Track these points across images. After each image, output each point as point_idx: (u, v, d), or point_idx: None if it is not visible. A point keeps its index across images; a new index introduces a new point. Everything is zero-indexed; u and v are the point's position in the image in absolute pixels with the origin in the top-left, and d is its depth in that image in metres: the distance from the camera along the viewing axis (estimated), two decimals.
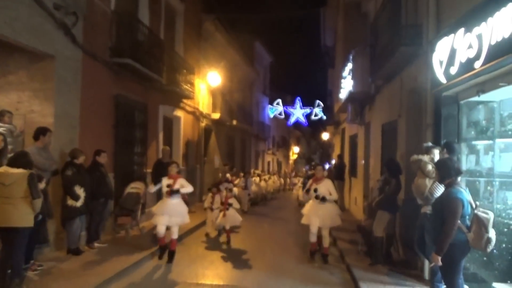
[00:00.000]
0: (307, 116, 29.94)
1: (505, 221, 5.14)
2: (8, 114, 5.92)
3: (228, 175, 14.49)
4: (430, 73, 5.52)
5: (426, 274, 5.55)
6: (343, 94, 12.27)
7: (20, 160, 4.91)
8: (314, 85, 70.11)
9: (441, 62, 5.04)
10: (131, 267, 6.23)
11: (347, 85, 11.49)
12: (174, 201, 6.72)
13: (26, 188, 4.77)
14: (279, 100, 29.85)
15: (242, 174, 15.03)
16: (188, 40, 13.22)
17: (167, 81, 10.62)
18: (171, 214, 6.65)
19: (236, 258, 7.27)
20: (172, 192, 6.68)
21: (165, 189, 6.74)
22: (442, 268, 3.93)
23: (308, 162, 56.00)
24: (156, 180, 7.76)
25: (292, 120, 30.29)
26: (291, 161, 43.44)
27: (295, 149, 43.02)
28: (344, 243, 8.03)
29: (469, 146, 5.76)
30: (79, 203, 6.38)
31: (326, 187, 7.06)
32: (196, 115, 14.37)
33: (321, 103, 28.85)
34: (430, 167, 4.78)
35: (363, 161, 9.16)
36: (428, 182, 4.82)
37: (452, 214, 3.73)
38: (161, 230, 6.61)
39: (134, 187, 8.62)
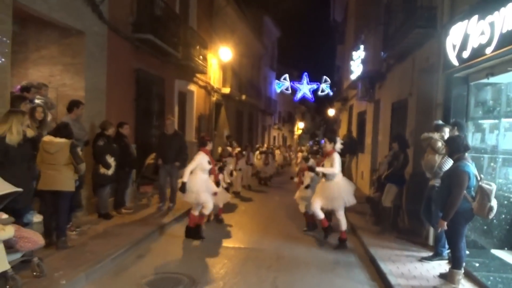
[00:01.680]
0: (314, 92, 30.11)
1: (506, 194, 5.63)
2: (45, 87, 6.32)
3: (229, 148, 14.93)
4: (442, 56, 5.87)
5: (431, 241, 6.09)
6: (353, 71, 12.55)
7: (62, 130, 5.37)
8: (322, 61, 69.41)
9: (454, 46, 5.39)
10: (158, 230, 6.80)
11: (358, 63, 11.78)
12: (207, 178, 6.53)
13: (68, 156, 5.24)
14: (287, 75, 29.96)
15: (238, 149, 14.98)
16: (201, 15, 13.41)
17: (182, 56, 10.92)
18: (209, 191, 6.49)
19: (251, 226, 7.83)
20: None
21: (206, 166, 6.34)
22: (447, 232, 4.44)
23: (312, 137, 56.56)
24: (159, 153, 8.09)
25: (299, 95, 30.47)
26: (295, 136, 43.85)
27: (300, 125, 43.32)
28: (353, 214, 8.52)
29: (476, 125, 6.15)
30: (110, 172, 6.85)
31: (329, 162, 6.32)
32: (208, 89, 14.70)
33: (328, 79, 28.98)
34: (440, 144, 5.20)
35: (378, 139, 9.50)
36: (437, 158, 5.25)
37: (459, 185, 4.20)
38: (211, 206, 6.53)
39: (153, 158, 9.11)
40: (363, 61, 11.01)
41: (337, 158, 6.25)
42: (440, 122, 5.63)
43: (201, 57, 12.49)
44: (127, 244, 5.71)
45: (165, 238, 6.65)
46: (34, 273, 4.30)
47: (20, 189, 4.02)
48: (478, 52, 4.73)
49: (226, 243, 6.54)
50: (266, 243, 6.61)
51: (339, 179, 6.35)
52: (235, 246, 6.39)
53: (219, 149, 11.73)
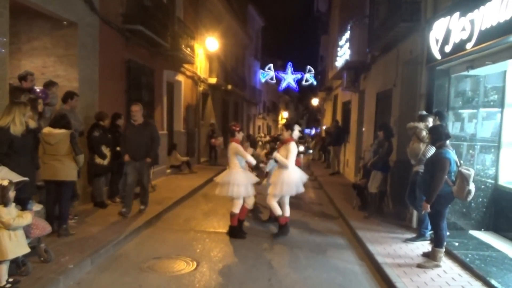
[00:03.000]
0: (298, 82, 30.42)
1: (483, 179, 6.08)
2: (55, 86, 6.42)
3: (212, 140, 15.15)
4: (426, 49, 6.21)
5: (414, 223, 6.50)
6: (339, 62, 12.84)
7: (60, 121, 5.51)
8: (306, 51, 69.55)
9: (437, 40, 5.73)
10: (155, 218, 7.03)
11: (343, 53, 12.07)
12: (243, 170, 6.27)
13: (69, 146, 5.41)
14: (271, 65, 30.15)
15: (221, 138, 15.47)
16: (187, 5, 13.46)
17: (171, 46, 11.01)
18: (251, 183, 6.28)
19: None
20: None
21: (251, 159, 6.14)
22: (430, 214, 4.82)
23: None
24: (126, 147, 6.81)
25: (283, 85, 30.76)
26: (279, 125, 44.16)
27: (284, 114, 43.69)
28: (340, 200, 8.94)
29: (456, 114, 6.52)
30: (105, 162, 7.02)
31: (285, 151, 6.21)
32: (195, 79, 14.80)
33: (312, 69, 29.27)
34: (424, 133, 5.56)
35: (363, 128, 9.88)
36: (422, 146, 5.62)
37: (441, 170, 4.57)
38: (251, 201, 6.33)
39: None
40: (349, 52, 11.27)
41: (292, 149, 6.09)
42: (424, 112, 5.98)
43: (188, 48, 12.58)
44: (126, 231, 5.93)
45: (162, 225, 6.87)
46: (42, 259, 4.50)
47: (26, 179, 4.20)
48: (459, 47, 5.07)
49: (222, 228, 6.79)
50: (261, 229, 6.90)
51: (292, 169, 6.22)
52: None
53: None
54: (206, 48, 15.46)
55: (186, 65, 13.28)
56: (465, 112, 6.62)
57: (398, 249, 5.54)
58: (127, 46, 8.98)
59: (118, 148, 7.16)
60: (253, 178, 6.29)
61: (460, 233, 5.91)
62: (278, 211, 6.27)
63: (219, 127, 19.00)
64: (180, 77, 13.01)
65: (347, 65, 11.59)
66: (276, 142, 10.39)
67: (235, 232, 6.26)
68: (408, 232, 6.34)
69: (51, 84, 6.32)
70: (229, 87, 19.36)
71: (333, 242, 6.26)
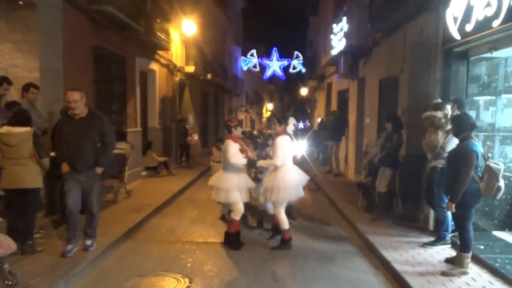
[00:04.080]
0: (285, 69, 30.36)
1: (505, 173, 6.06)
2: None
3: (189, 138, 14.71)
4: (441, 29, 6.16)
5: (431, 225, 6.47)
6: (334, 46, 12.77)
7: (20, 117, 5.23)
8: (292, 35, 69.17)
9: (455, 19, 5.68)
10: (134, 228, 6.82)
11: (339, 36, 12.00)
12: (243, 169, 6.17)
13: (32, 148, 5.13)
14: (254, 51, 30.03)
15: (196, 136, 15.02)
16: None
17: (144, 30, 10.74)
18: (247, 187, 6.09)
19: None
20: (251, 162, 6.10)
21: (240, 158, 5.89)
22: (455, 215, 4.77)
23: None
24: (62, 153, 5.35)
25: (268, 73, 30.73)
26: (264, 119, 44.09)
27: (269, 106, 43.64)
28: (343, 202, 8.89)
29: (471, 101, 6.53)
30: None
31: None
32: (171, 68, 14.54)
33: (300, 55, 29.25)
34: (444, 122, 5.50)
35: (367, 120, 9.80)
36: (440, 138, 5.57)
37: (467, 165, 4.51)
38: (242, 208, 6.06)
39: (119, 147, 9.00)
40: (346, 35, 11.21)
41: (278, 144, 5.82)
42: (440, 100, 5.93)
43: (163, 33, 12.30)
44: (103, 245, 5.70)
45: (143, 236, 6.67)
46: (6, 282, 4.24)
47: None
48: (483, 25, 5.02)
49: (212, 238, 6.63)
50: (257, 236, 6.77)
51: (289, 168, 5.98)
52: (223, 241, 6.47)
53: None
54: (183, 32, 15.17)
55: (160, 52, 13.01)
56: (482, 99, 6.64)
57: (417, 255, 5.49)
58: (94, 30, 8.69)
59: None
60: (248, 182, 6.12)
61: (483, 234, 5.90)
62: (285, 224, 6.04)
63: (198, 122, 18.81)
64: (154, 66, 12.76)
65: (345, 49, 11.52)
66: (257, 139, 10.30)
67: (232, 240, 6.11)
68: (424, 235, 6.31)
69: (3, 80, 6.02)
70: (209, 76, 19.10)
71: (341, 249, 6.18)
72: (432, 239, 5.97)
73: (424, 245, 5.83)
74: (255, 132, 16.15)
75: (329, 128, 13.39)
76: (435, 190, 5.65)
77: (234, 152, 5.88)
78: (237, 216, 6.02)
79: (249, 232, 6.93)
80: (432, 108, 5.92)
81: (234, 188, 5.89)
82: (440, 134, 5.56)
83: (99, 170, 5.40)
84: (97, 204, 5.59)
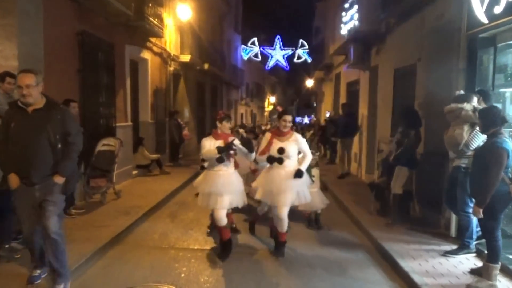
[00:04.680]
0: (288, 59, 30.18)
1: None
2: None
3: (185, 132, 14.44)
4: (465, 12, 5.96)
5: (453, 231, 6.30)
6: (342, 33, 12.61)
7: None
8: (297, 22, 68.66)
9: (481, 0, 5.48)
10: (123, 232, 6.66)
11: (349, 23, 11.82)
12: (230, 171, 5.88)
13: None
14: (255, 39, 29.85)
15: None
16: None
17: (134, 15, 10.55)
18: (231, 191, 5.78)
19: (239, 225, 7.75)
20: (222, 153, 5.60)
21: (212, 154, 5.61)
22: (482, 220, 4.58)
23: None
24: (9, 161, 4.36)
25: (271, 63, 30.60)
26: (266, 113, 43.97)
27: (271, 99, 43.48)
28: (352, 204, 8.71)
29: (497, 93, 6.32)
30: None
31: (296, 146, 5.81)
32: (164, 57, 14.39)
33: (305, 43, 29.05)
34: (472, 115, 5.30)
35: (379, 112, 9.59)
36: (465, 133, 5.37)
37: (497, 164, 4.32)
38: (223, 216, 5.76)
39: (107, 144, 8.87)
40: (356, 20, 11.03)
41: (304, 142, 5.97)
42: (462, 91, 5.73)
43: (156, 18, 12.11)
44: (87, 252, 5.54)
45: (133, 242, 6.51)
46: None
47: None
48: None
49: (210, 245, 6.46)
50: (257, 242, 6.60)
51: (293, 166, 5.78)
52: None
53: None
54: (177, 17, 14.99)
55: (153, 39, 12.83)
56: (508, 91, 6.44)
57: (438, 265, 5.33)
58: (79, 14, 8.49)
59: None
60: (235, 184, 5.86)
61: (510, 242, 5.71)
62: (285, 226, 5.87)
63: (193, 116, 18.65)
64: (146, 54, 12.58)
65: (355, 36, 11.36)
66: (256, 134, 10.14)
67: (225, 249, 5.89)
68: (445, 242, 6.15)
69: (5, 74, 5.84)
70: (206, 66, 18.98)
71: (352, 258, 6.02)
72: (454, 247, 5.81)
73: (446, 253, 5.66)
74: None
75: (343, 123, 12.56)
76: (458, 192, 5.47)
77: (207, 148, 5.74)
78: (217, 222, 5.81)
79: (251, 239, 6.77)
80: (453, 100, 5.71)
81: (213, 191, 5.69)
82: (466, 129, 5.35)
83: (59, 179, 4.31)
84: (59, 226, 4.42)
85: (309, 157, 5.89)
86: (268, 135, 5.93)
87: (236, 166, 6.07)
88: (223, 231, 5.87)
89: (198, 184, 5.97)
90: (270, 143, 5.78)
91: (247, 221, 7.29)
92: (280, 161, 5.66)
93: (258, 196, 5.98)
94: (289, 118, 5.73)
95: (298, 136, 5.91)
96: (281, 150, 5.65)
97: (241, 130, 9.98)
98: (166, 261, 5.73)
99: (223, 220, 5.76)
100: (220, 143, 5.64)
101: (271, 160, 5.71)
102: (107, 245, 6.03)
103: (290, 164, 5.75)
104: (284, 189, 5.65)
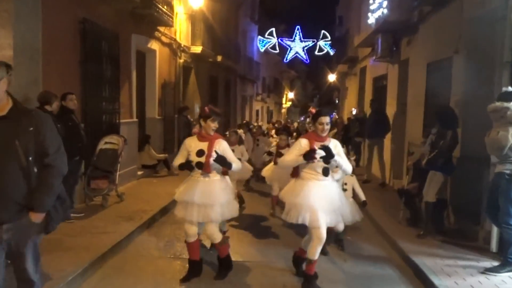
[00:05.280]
0: (309, 51, 30.07)
1: None
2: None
3: (195, 130, 14.22)
4: None
5: (494, 246, 6.07)
6: (369, 23, 12.44)
7: None
8: (319, 11, 68.49)
9: None
10: (124, 240, 6.58)
11: (376, 10, 11.65)
12: (215, 178, 5.34)
13: None
14: (273, 30, 29.78)
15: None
16: None
17: (141, 2, 10.52)
18: (212, 202, 5.21)
19: (245, 233, 7.67)
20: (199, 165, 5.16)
21: (193, 158, 5.22)
22: None
23: (303, 111, 57.03)
24: None
25: (290, 56, 30.52)
26: (283, 110, 43.90)
27: (290, 95, 43.38)
28: (377, 213, 8.50)
29: None
30: None
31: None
32: (174, 48, 14.46)
33: (328, 35, 28.89)
34: None
35: (409, 110, 9.38)
36: (511, 136, 5.15)
37: None
38: (190, 230, 5.37)
39: (109, 142, 8.82)
40: (385, 9, 10.85)
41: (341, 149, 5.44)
42: (511, 88, 5.51)
43: (165, 5, 12.08)
44: (85, 262, 5.45)
45: (135, 251, 6.42)
46: None
47: None
48: None
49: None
50: (273, 255, 6.47)
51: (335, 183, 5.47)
52: (232, 260, 6.17)
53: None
54: (188, 5, 14.97)
55: (162, 29, 12.88)
56: None
57: (477, 284, 5.13)
58: (82, 1, 8.51)
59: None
60: (219, 194, 5.27)
61: None
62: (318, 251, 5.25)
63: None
64: (154, 45, 12.60)
65: (383, 26, 11.22)
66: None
67: (223, 266, 5.58)
68: (485, 258, 5.94)
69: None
70: (219, 58, 19.04)
71: (378, 274, 5.85)
72: (495, 263, 5.60)
73: (486, 271, 5.45)
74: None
75: (371, 121, 11.95)
76: (501, 202, 5.28)
77: (180, 155, 5.40)
78: (187, 238, 5.45)
79: (265, 252, 6.64)
80: (498, 98, 5.50)
81: (188, 200, 5.22)
82: (511, 132, 5.13)
83: (36, 217, 3.40)
84: (36, 270, 3.63)
85: (348, 164, 5.29)
86: (304, 142, 5.23)
87: (225, 172, 5.49)
88: (220, 248, 5.51)
89: (177, 191, 5.45)
90: (313, 149, 5.09)
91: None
92: (327, 173, 5.14)
93: (288, 216, 5.22)
94: (326, 119, 5.13)
95: (336, 143, 5.37)
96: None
97: (240, 131, 9.70)
98: (171, 273, 5.62)
99: (214, 236, 5.38)
100: (204, 146, 5.17)
101: (326, 171, 5.10)
102: (107, 254, 5.93)
103: (330, 178, 5.28)
104: (332, 207, 5.15)
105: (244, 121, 14.72)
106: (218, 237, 5.42)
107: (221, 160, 5.06)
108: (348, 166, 5.24)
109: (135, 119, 11.30)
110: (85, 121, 8.53)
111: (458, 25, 7.62)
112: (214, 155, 5.09)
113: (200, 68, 17.66)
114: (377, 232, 7.76)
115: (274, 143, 18.51)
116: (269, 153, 8.63)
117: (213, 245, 5.93)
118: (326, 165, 5.04)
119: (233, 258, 6.16)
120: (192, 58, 16.39)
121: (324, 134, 5.17)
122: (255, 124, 19.36)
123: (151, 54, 12.73)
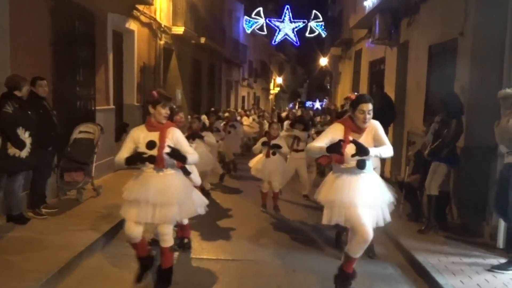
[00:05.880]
0: (299, 33, 30.04)
1: None
2: None
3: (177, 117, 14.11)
4: None
5: (500, 242, 6.15)
6: (366, 1, 12.50)
7: None
8: None
9: None
10: (104, 236, 6.57)
11: None
12: (170, 173, 4.98)
13: None
14: (260, 9, 29.70)
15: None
16: None
17: None
18: (162, 202, 4.84)
19: (235, 229, 7.67)
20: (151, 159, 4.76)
21: (121, 161, 4.88)
22: None
23: (293, 97, 57.13)
24: None
25: (278, 38, 30.47)
26: (271, 97, 43.89)
27: (278, 80, 43.37)
28: None
29: None
30: (24, 153, 6.43)
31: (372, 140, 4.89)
32: (153, 29, 14.38)
33: (319, 15, 28.90)
34: None
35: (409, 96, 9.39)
36: None
37: None
38: (135, 232, 4.89)
39: (85, 131, 8.74)
40: None
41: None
42: None
43: None
44: (60, 262, 5.38)
45: (114, 250, 6.35)
46: None
47: None
48: None
49: (207, 254, 6.36)
50: (265, 253, 6.50)
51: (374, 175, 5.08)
52: (221, 259, 6.23)
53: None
54: None
55: (140, 7, 12.78)
56: None
57: (484, 283, 5.19)
58: None
59: None
60: (179, 190, 4.95)
61: None
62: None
63: (188, 99, 18.52)
64: (132, 25, 12.50)
65: (381, 5, 11.24)
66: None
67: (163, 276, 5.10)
68: (492, 255, 6.03)
69: None
70: (202, 40, 18.97)
71: (379, 272, 5.88)
72: (502, 260, 5.68)
73: (493, 269, 5.52)
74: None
75: (377, 109, 11.98)
76: (511, 195, 5.31)
77: (126, 144, 4.96)
78: (130, 239, 5.00)
79: (257, 250, 6.65)
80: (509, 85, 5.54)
81: (139, 198, 4.82)
82: None
83: None
84: None
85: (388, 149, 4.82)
86: (338, 127, 4.84)
87: (178, 164, 5.02)
88: (167, 255, 5.05)
89: (126, 188, 5.01)
90: (347, 141, 4.64)
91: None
92: (363, 165, 4.68)
93: (326, 219, 4.88)
94: (368, 107, 4.71)
95: (374, 125, 4.91)
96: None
97: (203, 117, 9.56)
98: (153, 272, 5.56)
99: (166, 237, 4.97)
100: (154, 136, 4.79)
101: (361, 164, 4.65)
102: (83, 253, 5.88)
103: (370, 170, 4.88)
104: (372, 204, 4.83)
105: (212, 109, 14.37)
106: (170, 240, 5.03)
107: (176, 155, 4.72)
108: (387, 152, 4.77)
109: (112, 106, 11.22)
110: (57, 108, 8.39)
111: (464, 4, 7.61)
112: (167, 148, 4.72)
113: (182, 51, 17.57)
114: (376, 228, 7.76)
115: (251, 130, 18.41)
116: (264, 143, 8.50)
117: (154, 241, 5.59)
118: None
119: (223, 257, 6.21)
120: (173, 39, 16.29)
121: (365, 125, 4.76)
122: (230, 110, 18.70)
123: (129, 35, 12.60)
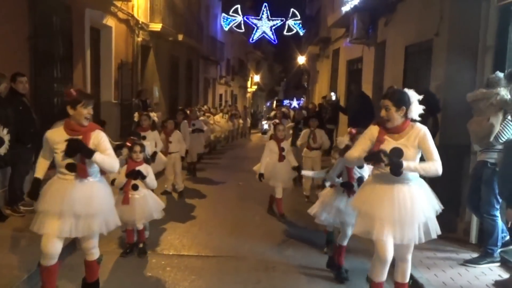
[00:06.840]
0: (277, 31, 30.15)
1: None
2: None
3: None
4: None
5: (473, 237, 6.33)
6: (345, 2, 12.57)
7: None
8: None
9: None
10: None
11: None
12: (93, 181, 4.48)
13: None
14: (238, 7, 29.63)
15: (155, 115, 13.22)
16: None
17: None
18: (87, 213, 4.36)
19: (215, 225, 7.77)
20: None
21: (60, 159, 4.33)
22: None
23: (270, 96, 57.22)
24: None
25: (256, 36, 30.52)
26: (249, 95, 43.92)
27: (256, 78, 43.41)
28: None
29: None
30: (2, 150, 6.38)
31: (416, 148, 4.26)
32: (131, 25, 14.30)
33: (297, 13, 29.01)
34: (508, 101, 5.25)
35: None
36: (497, 123, 5.33)
37: None
38: (53, 249, 4.43)
39: None
40: None
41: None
42: (500, 74, 5.64)
43: None
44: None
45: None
46: None
47: None
48: None
49: (187, 250, 6.42)
50: (245, 248, 6.60)
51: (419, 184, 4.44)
52: (201, 255, 6.30)
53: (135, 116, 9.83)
54: None
55: (118, 3, 12.72)
56: None
57: (457, 277, 5.34)
58: None
59: None
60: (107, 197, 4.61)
61: None
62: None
63: (165, 97, 18.46)
64: (109, 21, 12.46)
65: (359, 5, 11.37)
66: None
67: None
68: (464, 249, 6.19)
69: None
70: (180, 37, 18.89)
71: (356, 268, 5.94)
72: (475, 255, 5.84)
73: (466, 263, 5.68)
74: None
75: (353, 107, 11.52)
76: (484, 191, 5.49)
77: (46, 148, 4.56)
78: (44, 261, 4.52)
79: (237, 246, 6.74)
80: (485, 85, 5.66)
81: (51, 209, 4.34)
82: (500, 118, 5.29)
83: None
84: None
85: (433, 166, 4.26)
86: (374, 129, 4.33)
87: (103, 171, 4.55)
88: (93, 268, 4.76)
89: (41, 198, 4.41)
90: (380, 142, 4.20)
91: None
92: (397, 172, 4.03)
93: (359, 231, 4.53)
94: (385, 102, 4.29)
95: (419, 131, 4.26)
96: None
97: (153, 114, 9.14)
98: (132, 269, 5.68)
99: (92, 251, 4.63)
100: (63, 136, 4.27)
101: (396, 171, 4.02)
102: (63, 251, 5.81)
103: (412, 177, 4.30)
104: (412, 219, 4.25)
105: (180, 108, 13.87)
106: (96, 253, 4.68)
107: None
108: (430, 169, 4.22)
109: None
110: (35, 105, 8.35)
111: (440, 5, 7.74)
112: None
113: (160, 48, 17.48)
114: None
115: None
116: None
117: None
118: None
119: (204, 254, 6.28)
120: (151, 36, 16.21)
121: (390, 125, 4.19)
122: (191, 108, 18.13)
123: (107, 31, 12.55)
